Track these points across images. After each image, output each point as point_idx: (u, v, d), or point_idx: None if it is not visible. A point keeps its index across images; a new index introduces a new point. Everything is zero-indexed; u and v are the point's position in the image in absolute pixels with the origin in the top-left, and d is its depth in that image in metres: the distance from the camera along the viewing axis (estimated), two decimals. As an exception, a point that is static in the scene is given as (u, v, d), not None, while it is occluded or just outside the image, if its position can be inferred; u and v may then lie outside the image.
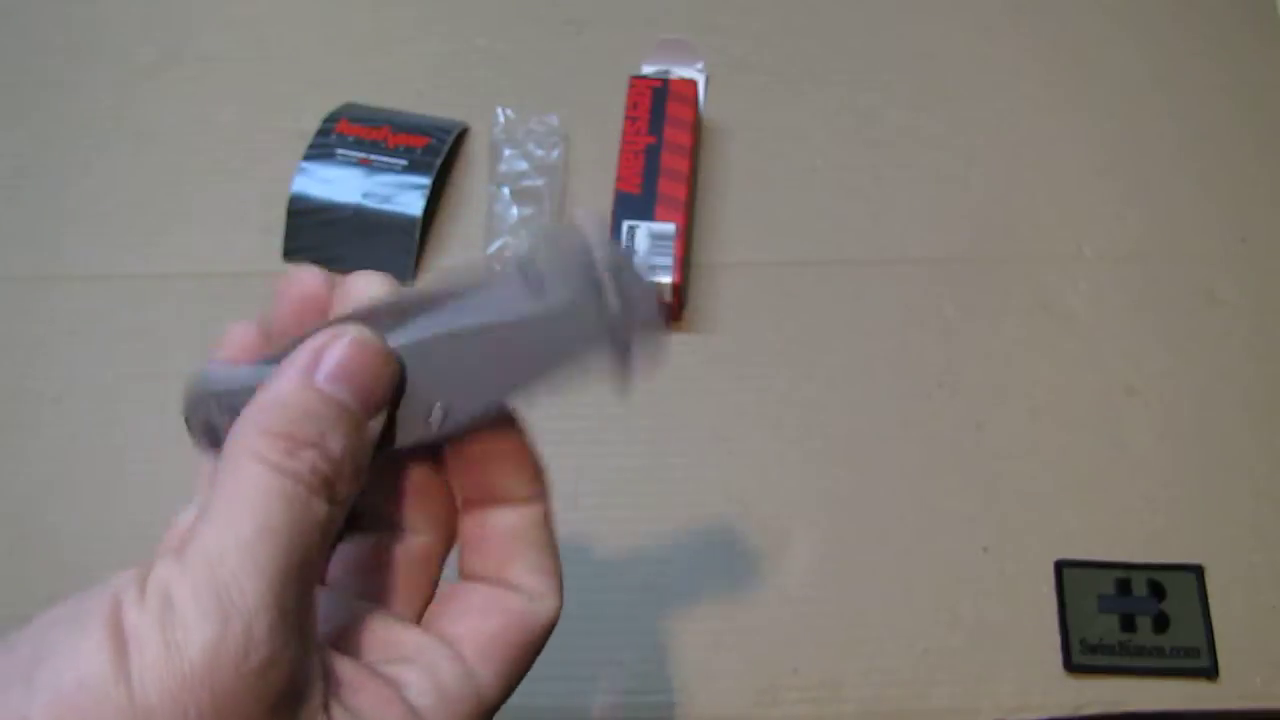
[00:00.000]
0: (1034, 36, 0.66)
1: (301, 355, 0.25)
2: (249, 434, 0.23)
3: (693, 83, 0.61)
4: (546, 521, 0.28)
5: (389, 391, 0.25)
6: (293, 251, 0.59)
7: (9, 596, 0.51)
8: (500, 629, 0.26)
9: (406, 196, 0.59)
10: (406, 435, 0.26)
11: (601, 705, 0.48)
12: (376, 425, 0.25)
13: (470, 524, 0.28)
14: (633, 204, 0.56)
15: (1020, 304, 0.58)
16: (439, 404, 0.25)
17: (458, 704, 0.25)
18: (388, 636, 0.26)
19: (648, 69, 0.65)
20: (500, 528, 0.27)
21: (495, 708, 0.26)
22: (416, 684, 0.24)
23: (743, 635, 0.50)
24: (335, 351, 0.25)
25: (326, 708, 0.22)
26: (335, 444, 0.23)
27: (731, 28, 0.67)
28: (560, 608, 0.27)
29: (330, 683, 0.23)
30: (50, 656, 0.20)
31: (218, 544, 0.21)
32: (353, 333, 0.25)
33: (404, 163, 0.60)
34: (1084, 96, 0.64)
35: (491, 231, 0.59)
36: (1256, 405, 0.55)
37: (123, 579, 0.21)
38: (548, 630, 0.27)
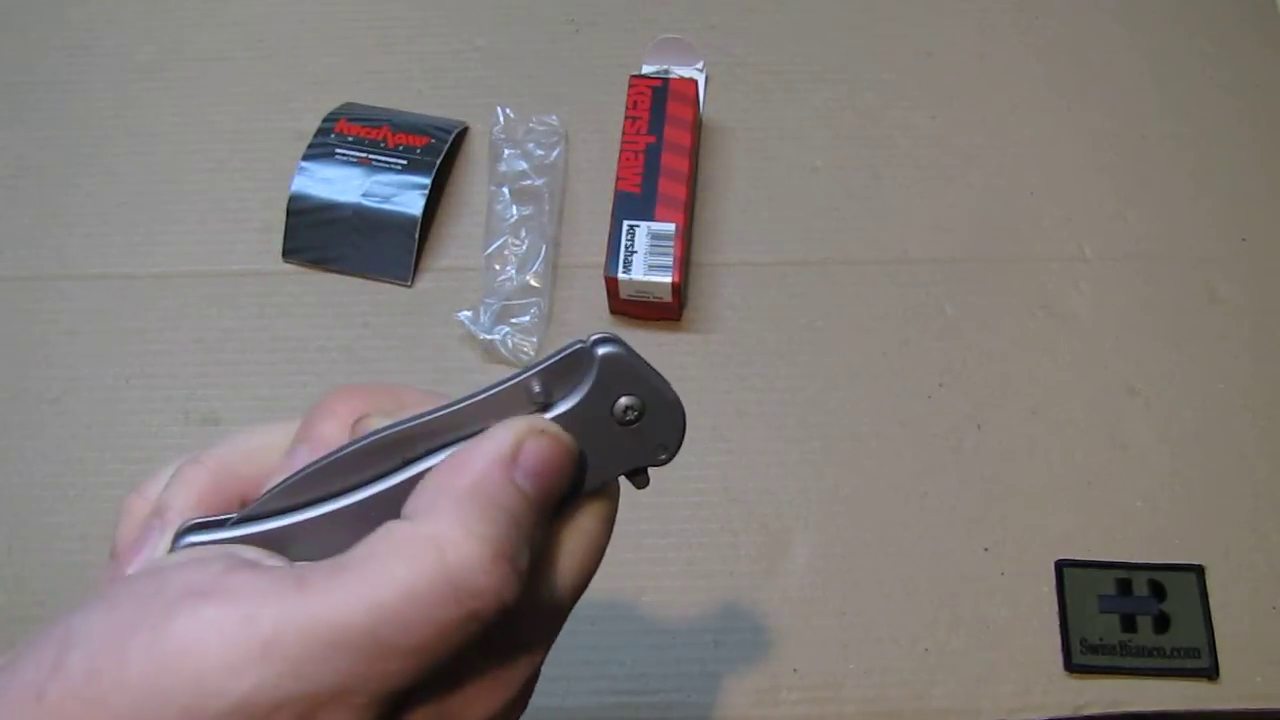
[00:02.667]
0: (1034, 36, 0.66)
1: (502, 438, 0.22)
2: (441, 515, 0.20)
3: (693, 82, 0.61)
4: None
5: (562, 497, 0.24)
6: (292, 251, 0.59)
7: (9, 596, 0.51)
8: (553, 528, 0.24)
9: (406, 196, 0.59)
10: None
11: (601, 705, 0.48)
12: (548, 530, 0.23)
13: None
14: (633, 204, 0.56)
15: (1020, 304, 0.58)
16: None
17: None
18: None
19: (648, 69, 0.65)
20: None
21: (563, 607, 0.24)
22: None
23: (743, 635, 0.50)
24: (537, 449, 0.22)
25: None
26: (524, 561, 0.21)
27: (731, 28, 0.67)
28: (611, 503, 0.26)
29: None
30: None
31: (310, 606, 0.19)
32: (549, 430, 0.23)
33: (404, 162, 0.60)
34: (1084, 96, 0.64)
35: (491, 231, 0.59)
36: (1256, 405, 0.55)
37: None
38: (606, 521, 0.25)
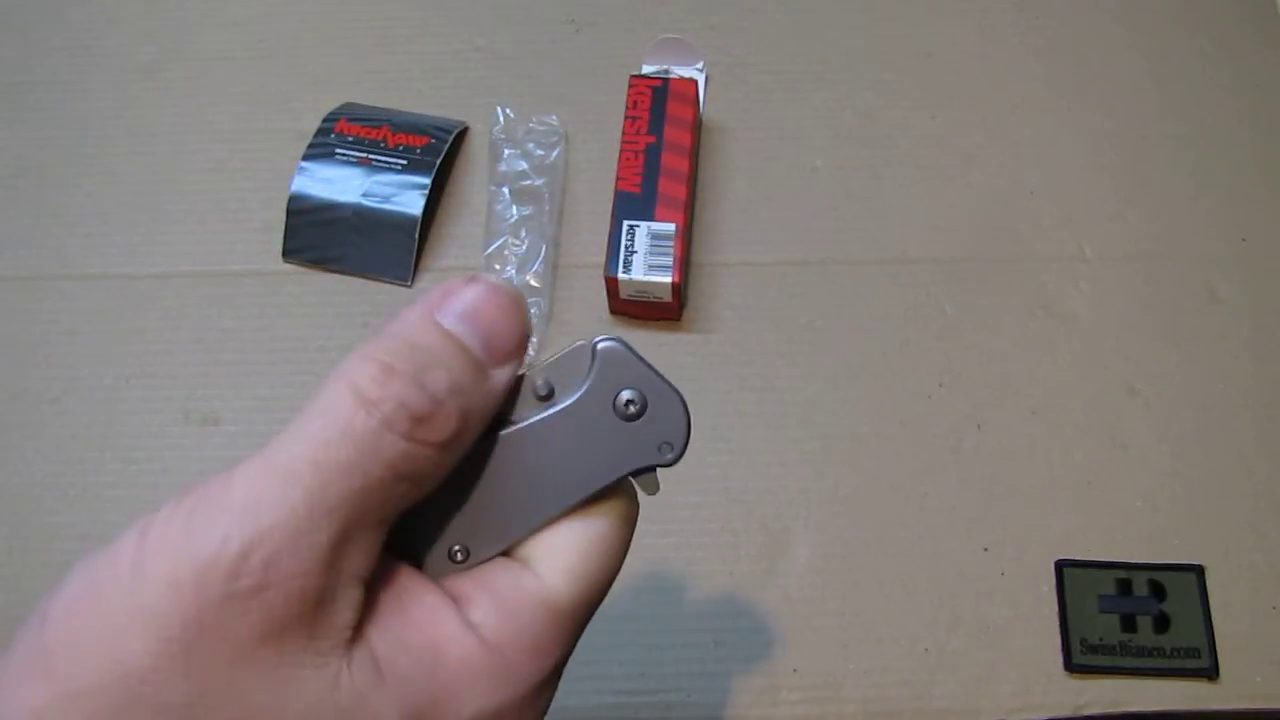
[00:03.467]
0: (1034, 36, 0.66)
1: (431, 293, 0.24)
2: (351, 357, 0.22)
3: (693, 82, 0.61)
4: None
5: (519, 342, 0.24)
6: (292, 251, 0.59)
7: (9, 596, 0.51)
8: (563, 526, 0.25)
9: (406, 196, 0.59)
10: (434, 572, 0.25)
11: (601, 705, 0.48)
12: (503, 377, 0.24)
13: None
14: (633, 204, 0.56)
15: (1020, 304, 0.58)
16: (457, 546, 0.25)
17: (520, 612, 0.24)
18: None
19: (648, 69, 0.65)
20: None
21: (575, 610, 0.24)
22: (474, 598, 0.24)
23: (743, 635, 0.50)
24: (466, 293, 0.24)
25: (354, 639, 0.22)
26: (436, 382, 0.22)
27: (731, 28, 0.67)
28: (627, 503, 0.26)
29: (370, 611, 0.22)
30: (83, 559, 0.21)
31: (266, 461, 0.21)
32: (488, 278, 0.24)
33: (404, 162, 0.60)
34: (1084, 96, 0.64)
35: (491, 231, 0.59)
36: (1256, 405, 0.55)
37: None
38: (623, 522, 0.26)
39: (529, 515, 0.25)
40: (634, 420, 0.25)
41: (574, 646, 0.25)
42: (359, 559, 0.22)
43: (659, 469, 0.26)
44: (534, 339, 0.56)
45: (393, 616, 0.23)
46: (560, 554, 0.25)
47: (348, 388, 0.21)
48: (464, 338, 0.23)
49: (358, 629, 0.22)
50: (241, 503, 0.20)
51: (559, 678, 0.25)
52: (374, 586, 0.23)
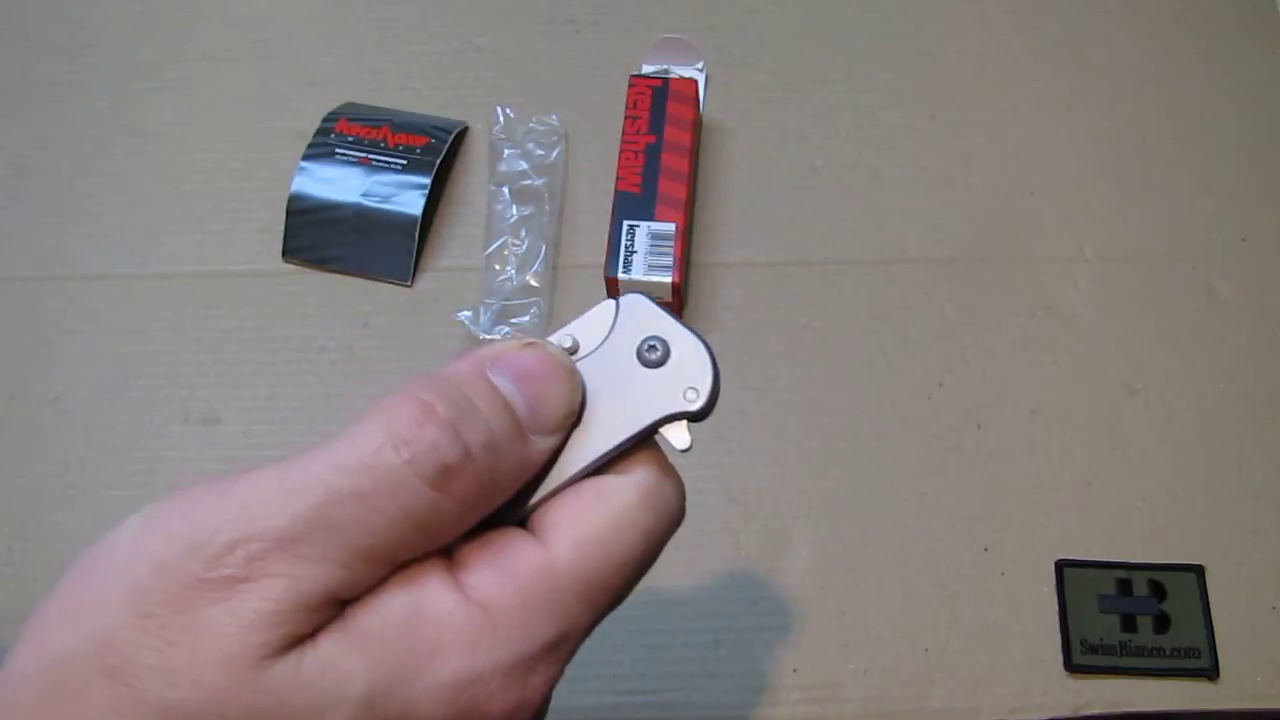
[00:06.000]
0: (1034, 36, 0.66)
1: (487, 349, 0.24)
2: (393, 391, 0.22)
3: (693, 82, 0.61)
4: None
5: (567, 415, 0.23)
6: (292, 251, 0.59)
7: (9, 596, 0.51)
8: (573, 497, 0.24)
9: (406, 196, 0.59)
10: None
11: (601, 705, 0.48)
12: (543, 447, 0.23)
13: None
14: (633, 204, 0.56)
15: (1020, 304, 0.58)
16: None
17: (514, 573, 0.22)
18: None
19: (648, 68, 0.65)
20: None
21: (577, 582, 0.23)
22: (471, 560, 0.23)
23: (743, 635, 0.50)
24: (523, 355, 0.23)
25: (336, 627, 0.21)
26: (474, 434, 0.21)
27: (731, 28, 0.67)
28: (654, 483, 0.24)
29: (349, 605, 0.22)
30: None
31: (278, 472, 0.21)
32: (547, 345, 0.24)
33: (403, 162, 0.60)
34: (1084, 97, 0.64)
35: (491, 231, 0.59)
36: (1256, 405, 0.55)
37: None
38: (645, 502, 0.24)
39: (551, 474, 0.24)
40: (657, 367, 0.25)
41: (574, 629, 0.23)
42: (348, 587, 0.21)
43: (689, 421, 0.25)
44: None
45: (366, 616, 0.22)
46: (571, 523, 0.23)
47: (382, 422, 0.21)
48: (511, 397, 0.23)
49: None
50: (241, 502, 0.21)
51: (557, 663, 0.23)
52: None
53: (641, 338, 0.25)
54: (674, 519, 0.25)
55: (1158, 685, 0.49)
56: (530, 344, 0.24)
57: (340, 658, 0.21)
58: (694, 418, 0.25)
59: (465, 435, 0.21)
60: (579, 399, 0.24)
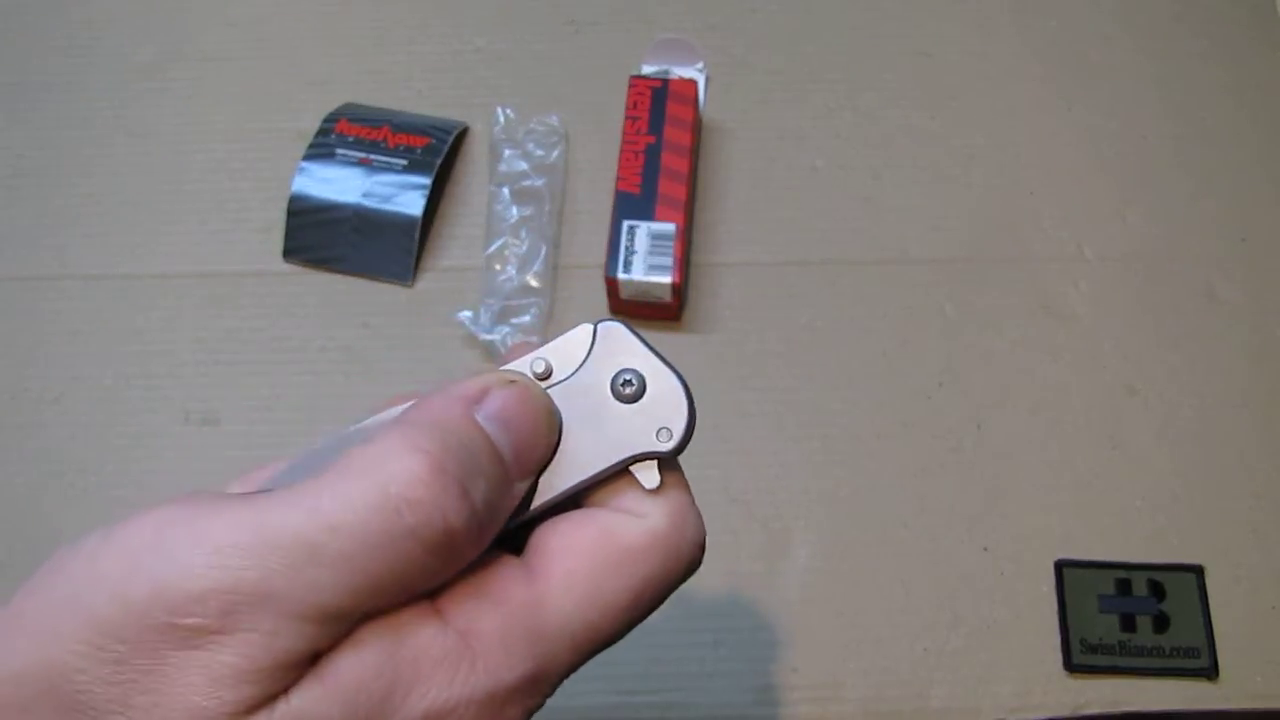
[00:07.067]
0: (1034, 36, 0.66)
1: (467, 383, 0.22)
2: (390, 438, 0.20)
3: (693, 83, 0.61)
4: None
5: (545, 457, 0.22)
6: (292, 251, 0.59)
7: (9, 597, 0.51)
8: (575, 526, 0.23)
9: (406, 196, 0.59)
10: None
11: (601, 705, 0.48)
12: (521, 491, 0.22)
13: None
14: (633, 204, 0.56)
15: (1020, 304, 0.58)
16: None
17: (498, 602, 0.21)
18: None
19: (648, 69, 0.65)
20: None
21: (564, 619, 0.22)
22: (454, 587, 0.22)
23: (743, 635, 0.50)
24: (506, 395, 0.22)
25: (311, 677, 0.20)
26: (478, 492, 0.20)
27: (731, 28, 0.67)
28: (668, 530, 0.23)
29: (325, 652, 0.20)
30: None
31: (260, 513, 0.19)
32: (522, 380, 0.22)
33: (404, 163, 0.60)
34: (1084, 96, 0.64)
35: (491, 231, 0.59)
36: (1256, 405, 0.55)
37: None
38: (642, 548, 0.23)
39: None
40: (631, 402, 0.24)
41: (555, 667, 0.22)
42: (328, 642, 0.20)
43: (659, 459, 0.24)
44: (534, 339, 0.56)
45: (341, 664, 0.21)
46: (567, 554, 0.22)
47: (379, 481, 0.19)
48: (499, 443, 0.21)
49: None
50: (215, 545, 0.19)
51: (538, 696, 0.22)
52: None
53: (616, 369, 0.24)
54: (685, 568, 0.24)
55: (1157, 685, 0.49)
56: (512, 381, 0.23)
57: (315, 709, 0.20)
58: (665, 458, 0.24)
59: (472, 494, 0.20)
60: (556, 440, 0.23)
